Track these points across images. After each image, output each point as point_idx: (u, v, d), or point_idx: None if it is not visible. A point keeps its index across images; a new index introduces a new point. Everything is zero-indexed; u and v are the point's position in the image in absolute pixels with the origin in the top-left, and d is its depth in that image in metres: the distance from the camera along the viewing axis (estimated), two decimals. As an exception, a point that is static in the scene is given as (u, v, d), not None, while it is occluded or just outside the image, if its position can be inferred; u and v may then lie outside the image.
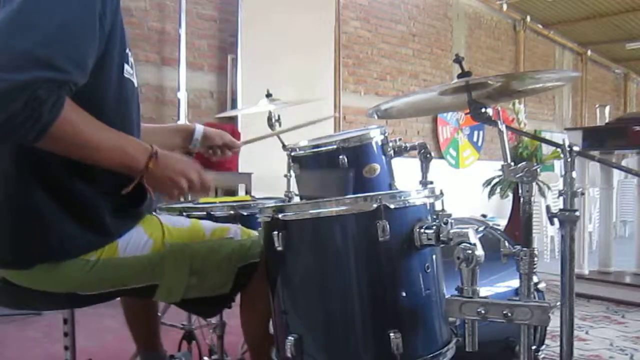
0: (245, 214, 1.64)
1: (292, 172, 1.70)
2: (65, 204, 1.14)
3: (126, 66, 1.22)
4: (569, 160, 1.16)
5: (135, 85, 1.28)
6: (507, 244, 1.15)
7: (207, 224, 1.39)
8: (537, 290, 1.54)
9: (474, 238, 1.08)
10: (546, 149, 5.42)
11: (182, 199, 1.18)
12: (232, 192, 4.26)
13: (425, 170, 1.55)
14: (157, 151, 1.14)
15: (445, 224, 1.14)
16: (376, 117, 1.48)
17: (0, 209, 1.16)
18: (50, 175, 1.13)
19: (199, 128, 1.62)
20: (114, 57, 1.16)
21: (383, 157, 1.52)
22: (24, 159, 1.12)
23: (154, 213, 1.35)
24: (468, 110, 1.23)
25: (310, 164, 1.54)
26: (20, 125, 0.94)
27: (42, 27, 0.97)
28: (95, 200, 1.17)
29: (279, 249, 1.16)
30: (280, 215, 1.17)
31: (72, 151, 1.06)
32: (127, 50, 1.23)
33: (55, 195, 1.13)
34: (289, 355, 1.16)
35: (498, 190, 5.55)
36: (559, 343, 1.20)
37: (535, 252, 1.13)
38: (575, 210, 1.16)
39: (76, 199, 1.15)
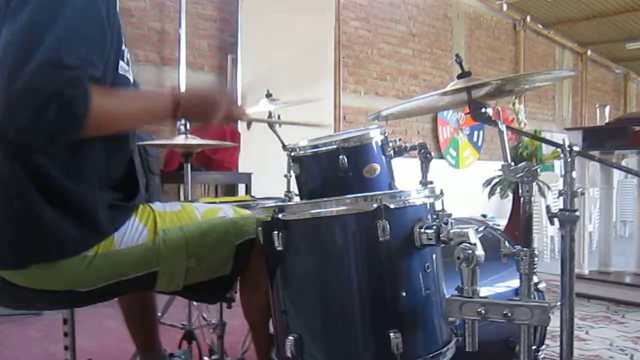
0: (245, 214, 1.63)
1: (292, 172, 1.70)
2: (59, 203, 1.14)
3: (121, 62, 1.23)
4: (569, 160, 1.16)
5: (131, 81, 1.29)
6: (507, 244, 1.15)
7: (198, 205, 1.41)
8: (537, 290, 1.54)
9: (474, 238, 1.08)
10: (546, 149, 5.42)
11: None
12: (232, 192, 4.27)
13: (425, 170, 1.54)
14: (178, 97, 1.18)
15: (445, 223, 1.14)
16: (377, 121, 1.49)
17: None
18: (43, 175, 1.13)
19: None
20: (109, 54, 1.17)
21: (383, 157, 1.52)
22: (17, 159, 1.12)
23: (145, 203, 1.35)
24: (468, 110, 1.23)
25: (310, 164, 1.54)
26: (61, 130, 1.00)
27: (51, 36, 1.00)
28: (89, 198, 1.17)
29: (279, 249, 1.16)
30: (280, 215, 1.17)
31: (109, 129, 1.12)
32: (124, 47, 1.24)
33: (49, 195, 1.13)
34: (289, 355, 1.16)
35: (498, 190, 5.55)
36: (559, 343, 1.20)
37: (535, 252, 1.13)
38: (575, 210, 1.16)
39: (70, 197, 1.15)
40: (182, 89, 4.09)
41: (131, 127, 1.19)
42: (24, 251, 1.16)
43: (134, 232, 1.24)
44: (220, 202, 1.73)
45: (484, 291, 1.19)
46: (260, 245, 1.30)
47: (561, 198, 1.18)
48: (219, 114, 1.24)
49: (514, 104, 5.77)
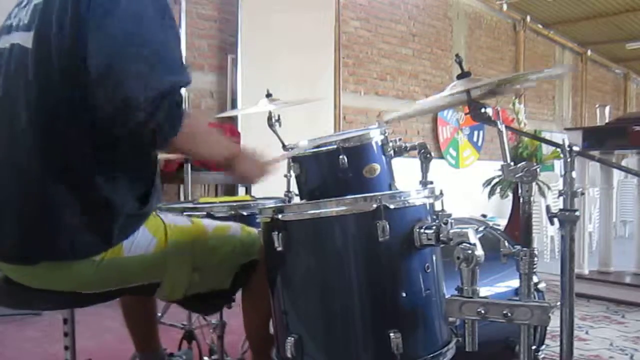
0: (245, 214, 1.64)
1: (292, 172, 1.70)
2: (83, 206, 1.15)
3: None
4: (569, 160, 1.16)
5: None
6: (507, 244, 1.15)
7: (208, 222, 1.42)
8: (537, 290, 1.54)
9: (474, 238, 1.08)
10: (546, 149, 5.42)
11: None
12: (232, 192, 4.27)
13: (425, 170, 1.55)
14: (237, 147, 1.31)
15: (445, 224, 1.14)
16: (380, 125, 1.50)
17: (11, 203, 1.17)
18: (77, 178, 1.15)
19: None
20: None
21: (383, 157, 1.52)
22: (54, 159, 1.14)
23: (156, 213, 1.35)
24: (468, 110, 1.23)
25: (310, 164, 1.54)
26: (166, 130, 1.09)
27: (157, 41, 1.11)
28: (112, 205, 1.18)
29: (279, 249, 1.16)
30: (280, 216, 1.17)
31: (189, 150, 1.26)
32: None
33: (77, 197, 1.15)
34: (289, 355, 1.16)
35: (498, 190, 5.55)
36: (559, 343, 1.20)
37: (535, 252, 1.13)
38: (575, 210, 1.16)
39: (95, 202, 1.16)
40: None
41: (200, 155, 1.32)
42: (34, 247, 1.16)
43: (143, 241, 1.25)
44: (221, 202, 1.73)
45: (484, 291, 1.19)
46: (262, 268, 1.31)
47: (561, 198, 1.18)
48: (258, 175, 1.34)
49: (514, 104, 5.77)
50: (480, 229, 1.72)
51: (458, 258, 1.08)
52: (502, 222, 5.49)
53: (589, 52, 9.66)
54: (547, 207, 1.25)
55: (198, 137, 1.22)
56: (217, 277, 1.35)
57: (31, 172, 1.15)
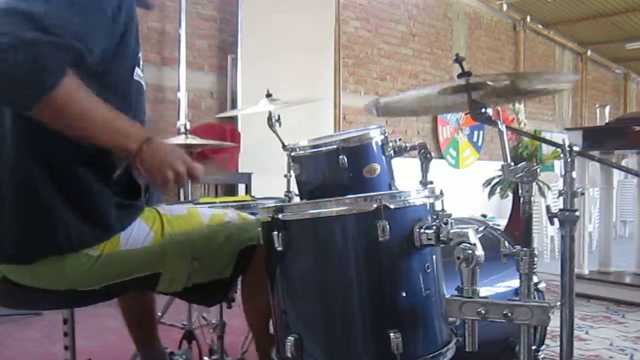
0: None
1: (292, 172, 1.70)
2: (72, 197, 1.16)
3: (137, 69, 1.27)
4: (569, 160, 1.16)
5: (144, 87, 1.32)
6: (507, 244, 1.15)
7: (204, 210, 1.42)
8: (537, 290, 1.54)
9: (474, 238, 1.08)
10: (546, 149, 5.42)
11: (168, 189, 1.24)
12: (232, 192, 4.27)
13: (425, 170, 1.55)
14: (150, 138, 1.13)
15: (445, 224, 1.14)
16: (375, 112, 1.48)
17: (5, 202, 1.17)
18: (58, 169, 1.15)
19: None
20: (125, 60, 1.20)
21: (383, 157, 1.52)
22: (33, 152, 1.14)
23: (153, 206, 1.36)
24: (468, 110, 1.23)
25: (310, 164, 1.54)
26: (21, 83, 0.95)
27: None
28: (101, 194, 1.18)
29: (279, 249, 1.16)
30: (280, 215, 1.17)
31: (67, 123, 1.05)
32: (139, 54, 1.26)
33: (62, 189, 1.15)
34: (289, 355, 1.16)
35: (498, 190, 5.55)
36: (559, 343, 1.19)
37: (535, 252, 1.13)
38: (575, 210, 1.16)
39: (83, 192, 1.17)
40: (182, 88, 4.12)
41: (89, 135, 1.08)
42: (31, 244, 1.16)
43: (139, 234, 1.25)
44: (221, 202, 1.73)
45: (484, 291, 1.19)
46: (262, 250, 1.31)
47: (561, 198, 1.18)
48: (175, 170, 1.17)
49: (514, 104, 5.77)
50: (480, 229, 1.72)
51: (458, 258, 1.08)
52: (502, 222, 5.49)
53: (589, 52, 9.66)
54: (547, 207, 1.25)
55: (85, 114, 1.06)
56: (216, 266, 1.35)
57: (20, 170, 1.15)
